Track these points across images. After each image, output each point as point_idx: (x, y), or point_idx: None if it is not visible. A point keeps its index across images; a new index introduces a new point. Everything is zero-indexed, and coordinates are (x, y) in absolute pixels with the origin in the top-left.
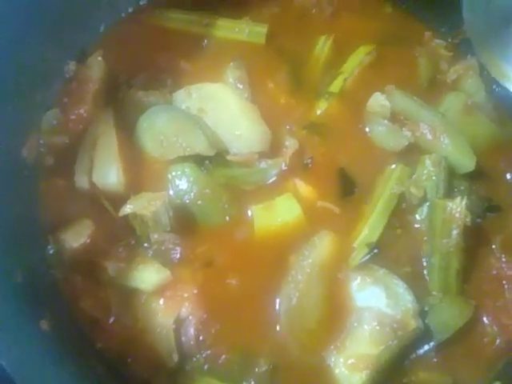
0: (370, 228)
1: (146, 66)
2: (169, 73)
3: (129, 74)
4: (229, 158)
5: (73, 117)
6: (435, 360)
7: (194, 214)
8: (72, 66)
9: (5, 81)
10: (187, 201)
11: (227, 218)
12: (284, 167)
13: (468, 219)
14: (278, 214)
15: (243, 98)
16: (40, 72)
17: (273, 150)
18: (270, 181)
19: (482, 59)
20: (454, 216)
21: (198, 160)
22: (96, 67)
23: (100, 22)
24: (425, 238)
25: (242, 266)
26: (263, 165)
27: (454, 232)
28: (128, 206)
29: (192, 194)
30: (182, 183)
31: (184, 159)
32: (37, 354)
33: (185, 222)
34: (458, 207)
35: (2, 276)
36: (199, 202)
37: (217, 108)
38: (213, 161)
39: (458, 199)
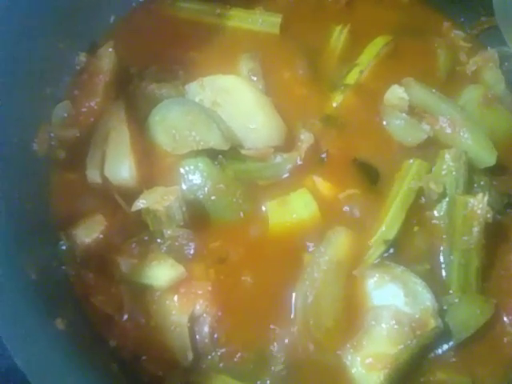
0: (387, 225)
1: (157, 58)
2: (181, 64)
3: (140, 66)
4: (243, 152)
5: (84, 109)
6: (454, 360)
7: (207, 209)
8: (82, 57)
9: (15, 72)
10: (200, 196)
11: (241, 214)
12: (299, 162)
13: (489, 216)
14: (292, 209)
15: (258, 90)
16: (50, 64)
17: (288, 143)
18: (285, 176)
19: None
20: (475, 212)
21: (212, 154)
22: (107, 59)
23: (110, 12)
24: (444, 236)
25: (256, 262)
26: (278, 159)
27: (475, 229)
28: (141, 201)
29: (205, 189)
30: (196, 178)
31: (197, 153)
32: (51, 352)
33: (198, 217)
34: (479, 203)
35: (16, 273)
36: (213, 198)
37: (231, 101)
38: (226, 155)
39: (480, 195)
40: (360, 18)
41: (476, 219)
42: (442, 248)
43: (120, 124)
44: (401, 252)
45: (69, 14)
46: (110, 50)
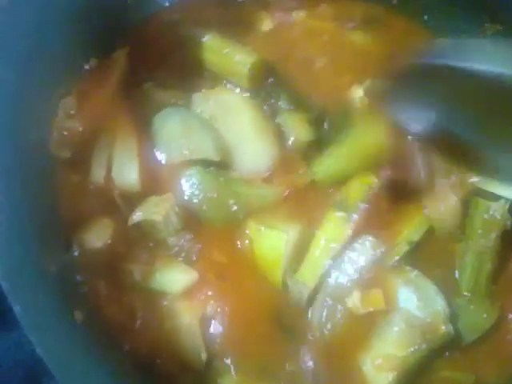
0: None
1: (167, 65)
2: (191, 73)
3: (150, 72)
4: (232, 174)
5: (91, 111)
6: (458, 357)
7: (204, 215)
8: (93, 60)
9: (27, 74)
10: (195, 203)
11: (235, 222)
12: (286, 193)
13: (509, 222)
14: (261, 244)
15: (260, 112)
16: (61, 65)
17: (278, 173)
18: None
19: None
20: (495, 217)
21: (205, 165)
22: (117, 63)
23: (124, 19)
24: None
25: None
26: (264, 189)
27: (494, 234)
28: (137, 214)
29: (200, 196)
30: (190, 186)
31: (191, 163)
32: (70, 343)
33: (197, 222)
34: (500, 209)
35: (37, 265)
36: (204, 208)
37: (228, 119)
38: (219, 168)
39: (503, 201)
40: None
41: (496, 224)
42: (457, 250)
43: (127, 128)
44: (417, 253)
45: (83, 18)
46: (121, 55)
